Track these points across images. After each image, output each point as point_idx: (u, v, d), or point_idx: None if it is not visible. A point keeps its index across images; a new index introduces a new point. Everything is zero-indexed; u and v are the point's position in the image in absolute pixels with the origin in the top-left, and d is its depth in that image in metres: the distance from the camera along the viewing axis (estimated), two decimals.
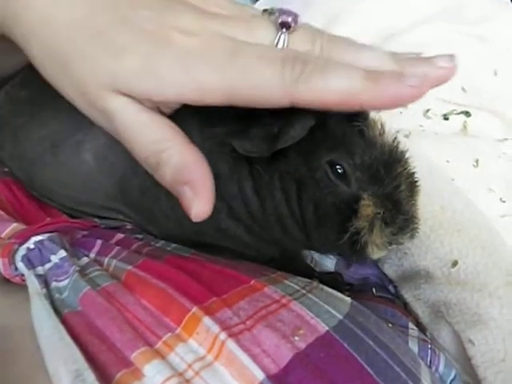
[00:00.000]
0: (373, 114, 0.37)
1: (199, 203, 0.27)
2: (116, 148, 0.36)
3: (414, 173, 0.36)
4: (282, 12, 0.29)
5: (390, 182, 0.33)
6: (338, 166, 0.33)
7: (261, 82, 0.26)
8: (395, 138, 0.35)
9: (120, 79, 0.27)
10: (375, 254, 0.34)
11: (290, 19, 0.29)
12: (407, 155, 0.36)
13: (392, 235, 0.34)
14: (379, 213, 0.33)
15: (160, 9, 0.28)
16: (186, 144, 0.29)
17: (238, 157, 0.33)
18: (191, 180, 0.27)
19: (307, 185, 0.34)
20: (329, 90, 0.26)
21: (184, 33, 0.27)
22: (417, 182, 0.36)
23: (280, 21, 0.29)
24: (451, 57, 0.26)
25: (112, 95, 0.27)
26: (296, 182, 0.34)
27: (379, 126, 0.35)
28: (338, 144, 0.33)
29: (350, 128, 0.34)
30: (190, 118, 0.34)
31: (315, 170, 0.33)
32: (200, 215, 0.27)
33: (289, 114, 0.32)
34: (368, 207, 0.33)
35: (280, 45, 0.28)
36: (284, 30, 0.29)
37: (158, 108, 0.29)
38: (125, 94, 0.27)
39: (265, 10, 0.31)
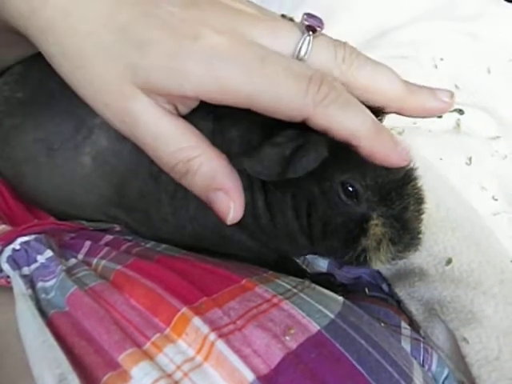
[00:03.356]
0: None
1: (236, 207, 0.28)
2: (119, 152, 0.35)
3: (422, 190, 0.35)
4: (310, 16, 0.29)
5: (399, 204, 0.33)
6: (349, 186, 0.32)
7: (284, 94, 0.26)
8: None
9: (142, 73, 0.26)
10: (378, 266, 0.35)
11: (316, 23, 0.29)
12: (417, 173, 0.35)
13: (397, 252, 0.34)
14: (387, 233, 0.33)
15: (184, 4, 0.28)
16: (212, 150, 0.29)
17: None
18: (225, 186, 0.28)
19: (318, 204, 0.33)
20: (342, 123, 0.27)
21: (212, 29, 0.27)
22: (424, 198, 0.35)
23: (307, 24, 0.29)
24: (450, 93, 0.31)
25: (133, 94, 0.27)
26: (307, 201, 0.33)
27: None
28: (350, 164, 0.32)
29: None
30: (202, 120, 0.33)
31: (327, 190, 0.33)
32: (236, 219, 0.28)
33: (303, 132, 0.31)
34: (377, 227, 0.33)
35: (304, 49, 0.29)
36: (310, 33, 0.29)
37: (175, 106, 0.29)
38: (145, 92, 0.27)
39: (283, 16, 0.32)
